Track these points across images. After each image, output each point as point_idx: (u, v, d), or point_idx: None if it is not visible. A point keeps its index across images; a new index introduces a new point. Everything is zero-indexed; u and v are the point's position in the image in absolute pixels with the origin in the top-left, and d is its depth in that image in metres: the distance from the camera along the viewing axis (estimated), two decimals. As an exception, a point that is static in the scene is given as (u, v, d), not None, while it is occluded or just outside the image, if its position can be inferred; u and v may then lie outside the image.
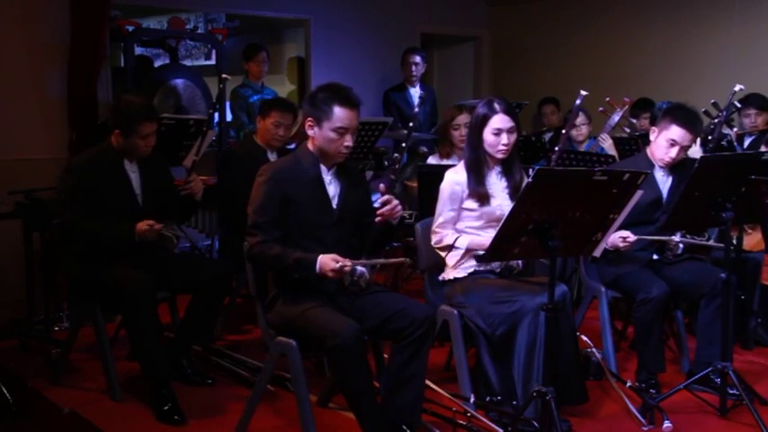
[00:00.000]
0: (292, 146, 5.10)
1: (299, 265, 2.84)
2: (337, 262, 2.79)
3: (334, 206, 3.02)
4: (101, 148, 3.60)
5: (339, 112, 2.91)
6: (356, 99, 2.96)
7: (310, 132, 2.98)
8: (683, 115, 3.59)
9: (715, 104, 4.68)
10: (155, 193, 3.65)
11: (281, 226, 2.93)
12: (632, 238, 3.47)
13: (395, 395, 2.91)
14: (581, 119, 5.43)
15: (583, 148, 5.42)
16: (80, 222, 3.44)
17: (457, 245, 3.29)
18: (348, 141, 2.96)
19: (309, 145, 3.03)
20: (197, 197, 3.76)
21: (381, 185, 3.09)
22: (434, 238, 3.38)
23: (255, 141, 4.44)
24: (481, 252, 3.22)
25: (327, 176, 3.03)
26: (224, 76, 4.31)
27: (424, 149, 5.96)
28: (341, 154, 2.99)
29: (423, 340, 2.89)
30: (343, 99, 2.93)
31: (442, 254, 3.37)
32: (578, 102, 4.14)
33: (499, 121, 3.27)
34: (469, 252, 3.29)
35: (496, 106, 3.29)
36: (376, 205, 3.00)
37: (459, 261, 3.32)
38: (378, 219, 2.96)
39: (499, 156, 3.31)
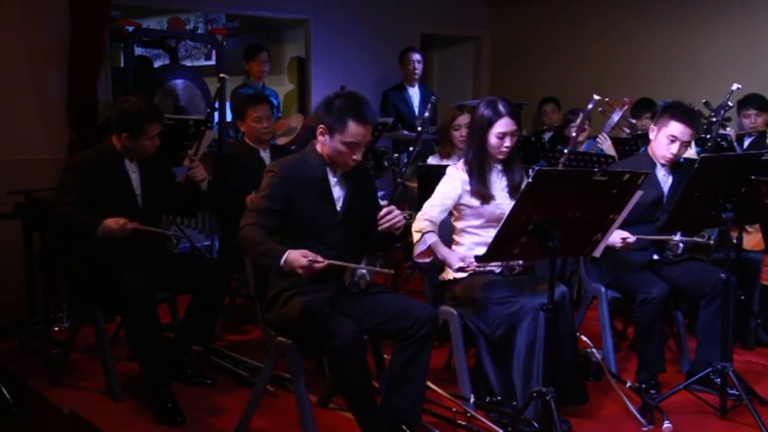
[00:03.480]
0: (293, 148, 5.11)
1: (266, 255, 2.73)
2: (306, 257, 2.64)
3: (339, 208, 3.01)
4: (101, 147, 3.61)
5: (353, 128, 2.87)
6: (372, 116, 2.93)
7: (321, 138, 2.95)
8: (681, 111, 3.61)
9: (707, 104, 4.68)
10: (155, 192, 3.65)
11: (277, 217, 2.89)
12: (632, 238, 3.47)
13: (395, 395, 2.91)
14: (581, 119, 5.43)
15: (582, 148, 5.42)
16: (59, 207, 3.43)
17: (426, 238, 3.25)
18: (357, 155, 2.93)
19: (318, 146, 3.00)
20: (202, 185, 3.76)
21: (385, 202, 3.06)
22: (417, 217, 3.34)
23: (247, 143, 4.45)
24: (461, 261, 3.23)
25: (334, 178, 3.02)
26: (222, 75, 4.32)
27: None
28: (348, 166, 2.97)
29: (425, 340, 2.88)
30: (360, 115, 2.87)
31: (415, 237, 3.31)
32: (591, 106, 4.12)
33: (504, 125, 3.27)
34: (431, 251, 3.25)
35: (502, 109, 3.28)
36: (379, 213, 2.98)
37: (420, 254, 3.28)
38: (379, 229, 2.93)
39: (500, 157, 3.33)
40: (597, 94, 4.09)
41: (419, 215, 3.35)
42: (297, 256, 2.65)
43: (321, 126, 2.93)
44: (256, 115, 4.35)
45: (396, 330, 2.91)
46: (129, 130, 3.49)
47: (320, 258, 2.66)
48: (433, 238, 3.25)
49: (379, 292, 3.08)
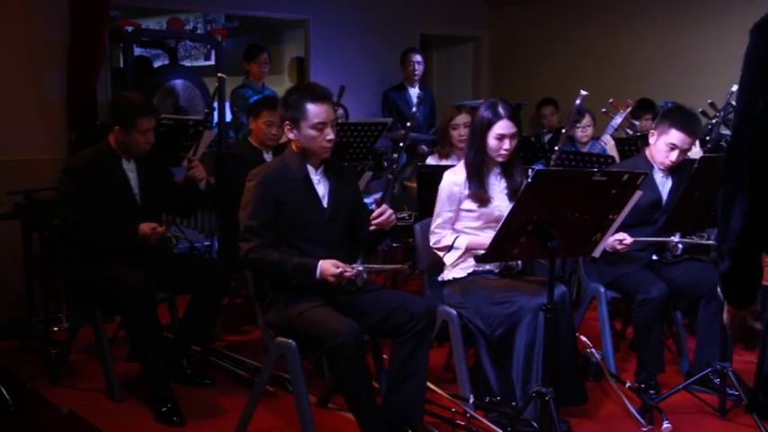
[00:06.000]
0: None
1: (300, 270, 2.87)
2: (337, 267, 2.83)
3: (325, 205, 3.05)
4: (98, 148, 3.61)
5: (313, 109, 2.95)
6: (327, 92, 3.02)
7: (291, 135, 3.02)
8: (681, 118, 3.58)
9: (712, 104, 4.67)
10: (153, 192, 3.66)
11: (274, 228, 2.95)
12: (629, 240, 3.46)
13: (396, 392, 2.91)
14: (586, 120, 5.43)
15: (586, 148, 5.42)
16: (82, 224, 3.44)
17: (456, 245, 3.29)
18: (329, 135, 2.99)
19: (293, 147, 3.06)
20: (200, 184, 3.76)
21: (377, 196, 3.10)
22: (433, 239, 3.38)
23: (251, 143, 4.45)
24: (481, 252, 3.25)
25: (316, 176, 3.06)
26: (220, 74, 4.31)
27: (424, 148, 5.95)
28: (325, 149, 3.02)
29: (423, 334, 2.89)
30: (314, 95, 2.98)
31: (440, 254, 3.37)
32: (578, 102, 4.13)
33: (503, 126, 3.27)
34: (468, 251, 3.30)
35: (501, 111, 3.28)
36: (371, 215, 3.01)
37: (457, 260, 3.32)
38: (371, 228, 2.98)
39: (500, 159, 3.33)
40: (585, 90, 4.08)
41: (432, 238, 3.38)
42: (328, 266, 2.85)
43: (287, 123, 3.01)
44: (269, 119, 4.36)
45: (394, 327, 2.92)
46: (120, 123, 3.50)
47: (348, 268, 2.86)
48: (463, 241, 3.29)
49: (376, 289, 3.09)
